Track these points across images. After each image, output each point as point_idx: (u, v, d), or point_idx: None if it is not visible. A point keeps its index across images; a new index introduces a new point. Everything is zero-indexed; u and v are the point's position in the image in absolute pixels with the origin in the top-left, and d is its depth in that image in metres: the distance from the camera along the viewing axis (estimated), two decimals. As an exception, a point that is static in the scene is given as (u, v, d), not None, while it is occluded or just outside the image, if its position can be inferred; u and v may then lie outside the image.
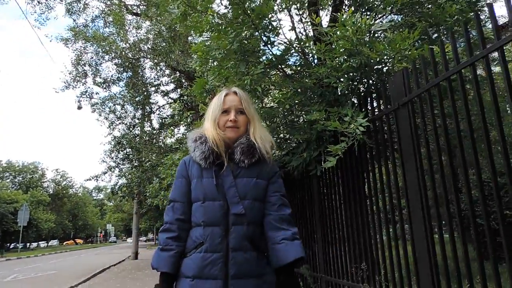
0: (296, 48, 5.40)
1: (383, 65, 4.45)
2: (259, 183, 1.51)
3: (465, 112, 2.73)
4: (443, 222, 3.00)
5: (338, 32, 3.97)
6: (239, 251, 1.40)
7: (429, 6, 4.83)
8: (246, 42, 4.89)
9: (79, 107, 17.82)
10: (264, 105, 5.89)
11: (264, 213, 1.51)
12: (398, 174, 3.62)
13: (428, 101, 3.17)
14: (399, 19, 5.29)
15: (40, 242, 47.17)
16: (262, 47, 5.31)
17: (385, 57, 4.11)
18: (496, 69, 6.41)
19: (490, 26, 2.71)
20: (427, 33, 5.16)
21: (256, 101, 5.39)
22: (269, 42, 5.27)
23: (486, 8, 5.50)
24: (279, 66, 5.39)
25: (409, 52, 3.89)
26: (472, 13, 5.07)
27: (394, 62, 3.93)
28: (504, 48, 2.45)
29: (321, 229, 5.08)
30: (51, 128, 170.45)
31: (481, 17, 5.56)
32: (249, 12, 4.60)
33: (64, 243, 58.60)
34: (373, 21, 5.48)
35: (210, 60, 5.51)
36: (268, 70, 5.22)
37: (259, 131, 1.56)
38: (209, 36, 5.35)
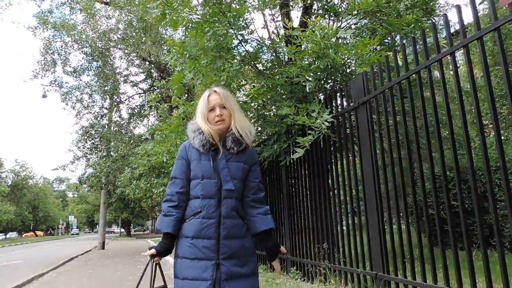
0: (269, 46, 5.78)
1: (347, 67, 4.93)
2: (245, 167, 1.87)
3: (411, 112, 3.25)
4: (391, 208, 3.51)
5: (307, 37, 4.40)
6: (229, 218, 1.77)
7: (389, 14, 5.33)
8: (221, 39, 5.19)
9: (44, 96, 17.35)
10: (237, 99, 6.25)
11: (243, 195, 1.88)
12: (357, 166, 4.13)
13: (383, 101, 3.67)
14: (363, 24, 5.81)
15: (-3, 235, 45.31)
16: (236, 45, 5.66)
17: (348, 60, 4.60)
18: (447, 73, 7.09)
19: (444, 34, 3.21)
20: (390, 38, 5.72)
21: (234, 92, 5.72)
22: (243, 40, 5.63)
23: (437, 18, 6.14)
24: (252, 62, 5.76)
25: (369, 57, 4.40)
26: (427, 21, 5.68)
27: (356, 65, 4.42)
28: (454, 54, 2.95)
29: (288, 215, 5.55)
30: (9, 119, 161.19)
31: (435, 19, 6.17)
32: (225, 12, 4.92)
33: (24, 235, 56.39)
34: (339, 25, 5.99)
35: (186, 55, 5.78)
36: (242, 65, 5.58)
37: (239, 121, 1.87)
38: (185, 31, 5.62)
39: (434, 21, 6.09)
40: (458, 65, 8.51)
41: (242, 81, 6.08)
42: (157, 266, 1.80)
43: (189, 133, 1.91)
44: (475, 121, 2.69)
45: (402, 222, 8.79)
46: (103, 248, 18.08)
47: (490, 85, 2.54)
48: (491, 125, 10.37)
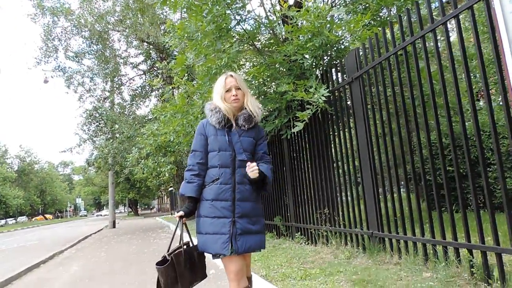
0: (266, 25, 5.99)
1: (341, 44, 5.17)
2: (253, 142, 2.20)
3: (399, 85, 3.54)
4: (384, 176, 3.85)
5: (302, 16, 4.63)
6: (241, 184, 2.10)
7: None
8: (220, 20, 5.40)
9: (45, 81, 17.53)
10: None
11: None
12: (352, 137, 4.46)
13: (374, 75, 3.96)
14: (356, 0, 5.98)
15: (7, 219, 46.40)
16: (235, 25, 5.87)
17: (343, 37, 4.84)
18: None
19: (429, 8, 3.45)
20: (383, 13, 5.91)
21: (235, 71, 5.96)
22: (241, 20, 5.84)
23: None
24: (251, 41, 5.99)
25: (361, 33, 4.65)
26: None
27: (350, 42, 4.67)
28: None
29: (292, 185, 5.93)
30: (12, 105, 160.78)
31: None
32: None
33: (33, 219, 57.79)
34: (333, 0, 6.16)
35: (185, 38, 5.99)
36: (242, 45, 5.81)
37: (250, 101, 2.20)
38: (186, 11, 5.81)
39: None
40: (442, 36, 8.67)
41: (241, 60, 6.32)
42: (184, 225, 2.13)
43: (206, 112, 2.21)
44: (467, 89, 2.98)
45: (394, 187, 9.20)
46: (114, 227, 18.76)
47: (481, 54, 2.81)
48: (483, 92, 10.61)
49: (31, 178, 47.42)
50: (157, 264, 2.02)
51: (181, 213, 2.10)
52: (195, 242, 2.17)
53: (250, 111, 2.17)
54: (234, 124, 2.17)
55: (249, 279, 2.28)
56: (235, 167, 2.11)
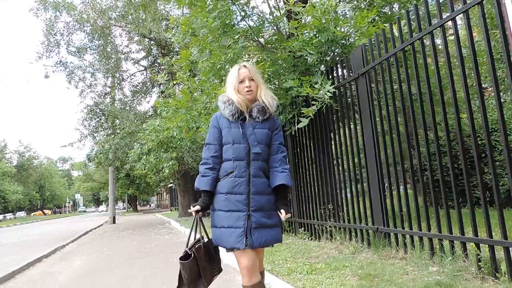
0: (271, 21, 5.99)
1: (347, 40, 5.18)
2: (268, 133, 2.14)
3: (406, 81, 3.55)
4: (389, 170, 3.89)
5: (309, 12, 4.64)
6: (256, 177, 2.07)
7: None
8: (224, 16, 5.40)
9: (46, 76, 17.49)
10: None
11: (268, 156, 2.17)
12: (358, 133, 4.47)
13: (381, 71, 3.97)
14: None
15: (6, 215, 46.41)
16: (239, 21, 5.87)
17: (348, 33, 4.85)
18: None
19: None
20: (382, 11, 5.92)
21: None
22: (245, 16, 5.84)
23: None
24: (255, 38, 5.99)
25: (367, 29, 4.66)
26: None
27: (355, 38, 4.68)
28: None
29: (295, 181, 5.95)
30: (11, 101, 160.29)
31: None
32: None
33: (32, 214, 57.76)
34: (337, 1, 6.17)
35: (189, 33, 5.99)
36: (247, 41, 5.82)
37: (264, 92, 2.15)
38: (190, 7, 5.81)
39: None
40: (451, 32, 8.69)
41: (244, 56, 6.32)
42: (200, 220, 2.12)
43: (219, 104, 2.17)
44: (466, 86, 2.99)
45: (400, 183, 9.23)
46: (114, 222, 18.77)
47: (490, 50, 2.83)
48: (490, 88, 10.63)
49: (30, 173, 47.37)
50: (181, 259, 2.00)
51: (198, 207, 2.09)
52: (210, 237, 2.17)
53: (264, 102, 2.13)
54: (248, 116, 2.13)
55: (262, 273, 2.25)
56: (250, 160, 2.07)
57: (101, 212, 57.64)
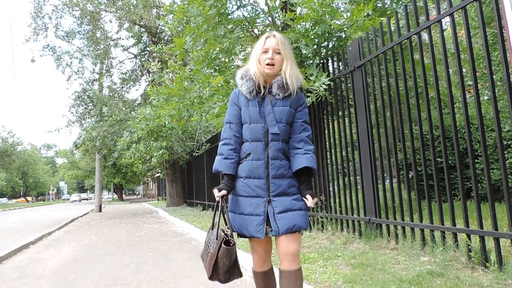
0: (266, 12, 5.97)
1: (343, 32, 5.20)
2: (291, 111, 1.93)
3: (403, 75, 3.60)
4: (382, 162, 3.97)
5: (306, 3, 4.63)
6: (276, 160, 1.88)
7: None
8: (219, 5, 5.35)
9: (32, 60, 17.10)
10: (234, 64, 6.48)
11: (290, 136, 1.96)
12: (352, 125, 4.52)
13: (377, 65, 4.01)
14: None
15: (-13, 201, 45.67)
16: (234, 10, 5.83)
17: (345, 26, 4.87)
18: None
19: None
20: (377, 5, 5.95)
21: (233, 58, 5.95)
22: (241, 5, 5.80)
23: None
24: (250, 28, 5.97)
25: (364, 23, 4.69)
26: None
27: (351, 31, 4.70)
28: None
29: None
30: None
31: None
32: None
33: (15, 200, 56.77)
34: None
35: (184, 21, 5.92)
36: (242, 31, 5.79)
37: (289, 69, 1.88)
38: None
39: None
40: (446, 27, 8.79)
41: (238, 46, 6.29)
42: (225, 206, 1.92)
43: (237, 80, 1.98)
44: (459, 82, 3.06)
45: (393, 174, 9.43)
46: (100, 211, 18.61)
47: (471, 51, 2.89)
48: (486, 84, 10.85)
49: (13, 159, 46.33)
50: (225, 244, 1.81)
51: (224, 192, 1.88)
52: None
53: (286, 79, 1.89)
54: (266, 93, 1.92)
55: (298, 271, 1.87)
56: (268, 141, 1.89)
57: (82, 201, 56.41)
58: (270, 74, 1.90)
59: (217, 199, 1.90)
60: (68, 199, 68.66)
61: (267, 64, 1.87)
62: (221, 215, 1.90)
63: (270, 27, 6.28)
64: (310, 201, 1.88)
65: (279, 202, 1.85)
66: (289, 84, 1.89)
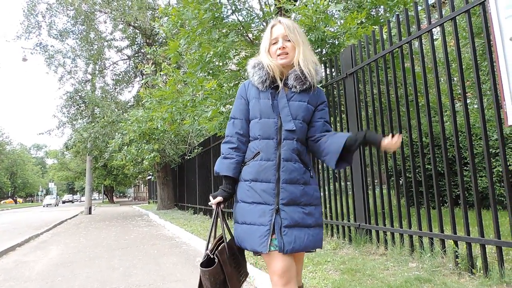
0: (261, 18, 6.02)
1: (336, 39, 5.26)
2: (309, 107, 1.68)
3: (393, 83, 3.65)
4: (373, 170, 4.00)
5: (300, 10, 4.69)
6: (289, 161, 1.61)
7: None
8: (215, 9, 5.39)
9: (24, 59, 16.96)
10: (228, 68, 6.51)
11: (308, 136, 1.71)
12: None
13: (369, 72, 4.06)
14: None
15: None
16: (229, 14, 5.87)
17: (338, 33, 4.93)
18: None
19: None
20: (375, 12, 6.04)
21: (227, 62, 5.97)
22: (236, 10, 5.84)
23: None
24: (245, 32, 6.00)
25: (357, 30, 4.75)
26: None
27: (344, 39, 4.76)
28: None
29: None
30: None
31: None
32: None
33: (2, 201, 56.00)
34: (328, 1, 6.26)
35: (179, 24, 5.95)
36: (237, 35, 5.82)
37: (303, 56, 1.66)
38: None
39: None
40: (438, 37, 8.92)
41: (232, 51, 6.33)
42: (222, 214, 1.71)
43: (248, 69, 1.76)
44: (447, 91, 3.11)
45: (383, 181, 9.51)
46: (90, 213, 18.43)
47: (460, 61, 2.95)
48: (468, 94, 11.00)
49: (1, 159, 45.80)
50: (202, 265, 1.58)
51: (219, 198, 1.65)
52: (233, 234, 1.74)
53: (302, 69, 1.66)
54: (282, 85, 1.69)
55: None
56: (281, 139, 1.63)
57: (68, 203, 53.47)
58: (286, 65, 1.68)
59: (212, 207, 1.68)
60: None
61: (280, 55, 1.67)
62: (213, 227, 1.69)
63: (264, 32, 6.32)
64: (393, 138, 1.55)
65: (288, 213, 1.58)
66: (305, 73, 1.66)
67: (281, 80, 1.69)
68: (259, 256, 3.59)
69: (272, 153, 1.63)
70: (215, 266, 1.55)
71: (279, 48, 1.66)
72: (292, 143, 1.64)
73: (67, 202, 57.93)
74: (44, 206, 40.94)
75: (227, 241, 1.65)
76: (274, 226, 1.55)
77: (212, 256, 1.59)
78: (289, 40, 1.67)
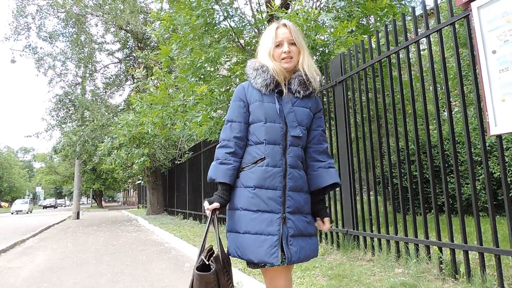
0: (252, 24, 6.08)
1: (326, 48, 5.35)
2: (310, 114, 1.66)
3: (381, 92, 3.73)
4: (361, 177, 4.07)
5: (291, 18, 4.76)
6: (294, 169, 1.57)
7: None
8: (207, 15, 5.43)
9: (13, 61, 16.79)
10: (219, 74, 6.55)
11: (306, 145, 1.68)
12: (332, 139, 4.63)
13: (357, 81, 4.14)
14: (341, 6, 6.19)
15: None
16: (221, 20, 5.92)
17: (328, 42, 5.01)
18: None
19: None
20: (365, 20, 6.15)
21: (218, 67, 6.01)
22: (227, 16, 5.89)
23: (408, 2, 6.60)
24: (236, 38, 6.05)
25: (346, 39, 4.84)
26: (399, 6, 6.14)
27: (334, 47, 4.85)
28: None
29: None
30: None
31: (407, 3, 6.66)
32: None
33: (-13, 206, 54.93)
34: (318, 4, 6.34)
35: (171, 29, 5.98)
36: (229, 41, 5.87)
37: (307, 61, 1.64)
38: (171, 4, 5.80)
39: (405, 4, 6.57)
40: (425, 47, 9.13)
41: (224, 56, 6.37)
42: (216, 219, 1.61)
43: (249, 72, 1.68)
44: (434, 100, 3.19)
45: (370, 188, 9.63)
46: (78, 218, 18.19)
47: (445, 71, 3.03)
48: (453, 103, 11.20)
49: (-13, 163, 45.01)
50: (198, 269, 1.49)
51: (216, 205, 1.55)
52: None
53: (306, 74, 1.63)
54: (285, 90, 1.64)
55: None
56: (287, 145, 1.58)
57: (16, 213, 32.66)
58: (289, 69, 1.64)
59: (207, 212, 1.57)
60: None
61: (285, 59, 1.62)
62: (207, 232, 1.60)
63: (256, 38, 6.37)
64: (326, 225, 1.67)
65: (294, 222, 1.54)
66: (310, 78, 1.64)
67: (284, 84, 1.65)
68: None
69: (279, 160, 1.57)
70: (212, 271, 1.47)
71: (284, 52, 1.62)
72: (297, 150, 1.61)
73: (48, 207, 50.04)
74: (12, 213, 32.10)
75: (219, 251, 1.55)
76: (281, 236, 1.50)
77: (207, 263, 1.52)
78: (294, 44, 1.64)
